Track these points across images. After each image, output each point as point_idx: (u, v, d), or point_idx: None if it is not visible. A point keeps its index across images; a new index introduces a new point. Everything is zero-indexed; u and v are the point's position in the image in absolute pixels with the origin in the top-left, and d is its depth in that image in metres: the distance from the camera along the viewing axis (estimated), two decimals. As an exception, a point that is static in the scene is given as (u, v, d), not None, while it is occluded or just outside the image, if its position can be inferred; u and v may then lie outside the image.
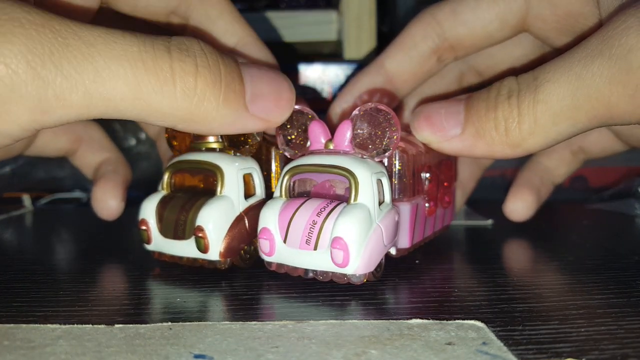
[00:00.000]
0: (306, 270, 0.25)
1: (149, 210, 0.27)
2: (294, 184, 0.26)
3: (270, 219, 0.25)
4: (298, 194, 0.27)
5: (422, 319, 0.21)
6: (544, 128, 0.24)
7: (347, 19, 0.47)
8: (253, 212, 0.27)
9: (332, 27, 0.49)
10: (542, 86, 0.23)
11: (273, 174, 0.30)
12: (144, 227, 0.27)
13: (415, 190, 0.28)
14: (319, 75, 0.45)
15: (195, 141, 0.28)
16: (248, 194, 0.28)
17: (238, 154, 0.28)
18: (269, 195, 0.29)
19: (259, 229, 0.25)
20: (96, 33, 0.21)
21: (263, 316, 0.21)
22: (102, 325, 0.20)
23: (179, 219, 0.26)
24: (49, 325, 0.20)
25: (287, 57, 0.29)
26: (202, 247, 0.26)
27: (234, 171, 0.27)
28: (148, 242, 0.28)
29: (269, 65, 0.31)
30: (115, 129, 0.49)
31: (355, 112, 0.26)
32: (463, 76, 0.35)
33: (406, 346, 0.18)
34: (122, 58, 0.21)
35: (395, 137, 0.25)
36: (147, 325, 0.20)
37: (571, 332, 0.19)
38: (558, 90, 0.23)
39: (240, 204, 0.27)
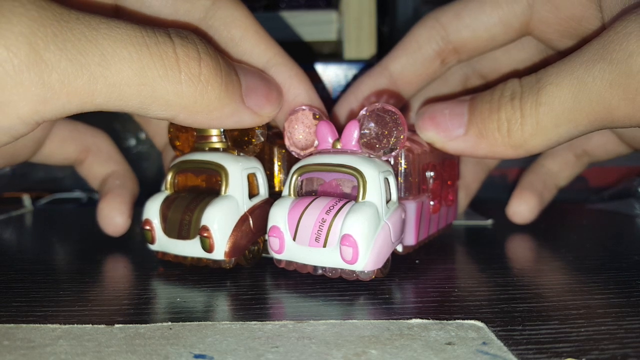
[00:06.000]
0: (315, 267, 0.25)
1: (152, 210, 0.27)
2: (301, 183, 0.27)
3: (279, 217, 0.25)
4: (305, 193, 0.27)
5: (422, 319, 0.21)
6: (546, 130, 0.24)
7: (347, 19, 0.47)
8: (257, 212, 0.27)
9: (332, 27, 0.49)
10: (544, 89, 0.23)
11: (276, 174, 0.30)
12: (147, 227, 0.27)
13: (420, 189, 0.28)
14: (319, 75, 0.45)
15: (199, 141, 0.28)
16: (252, 194, 0.28)
17: (242, 154, 0.28)
18: (272, 195, 0.29)
19: (268, 227, 0.25)
20: (98, 19, 0.20)
21: (263, 316, 0.21)
22: (102, 325, 0.20)
23: (184, 219, 0.26)
24: (49, 325, 0.20)
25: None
26: (207, 246, 0.26)
27: (238, 171, 0.27)
28: (152, 242, 0.28)
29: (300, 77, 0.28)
30: (116, 129, 0.49)
31: (363, 112, 0.26)
32: (467, 79, 0.35)
33: (406, 346, 0.18)
34: (127, 42, 0.20)
35: (402, 137, 0.25)
36: (147, 325, 0.20)
37: (571, 332, 0.19)
38: (560, 93, 0.23)
39: (245, 204, 0.27)
